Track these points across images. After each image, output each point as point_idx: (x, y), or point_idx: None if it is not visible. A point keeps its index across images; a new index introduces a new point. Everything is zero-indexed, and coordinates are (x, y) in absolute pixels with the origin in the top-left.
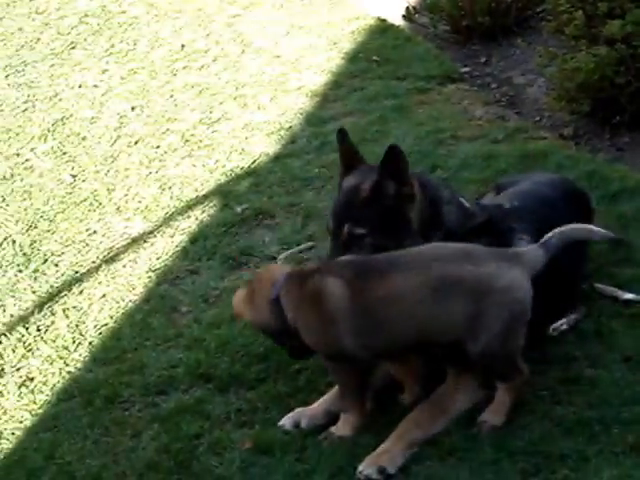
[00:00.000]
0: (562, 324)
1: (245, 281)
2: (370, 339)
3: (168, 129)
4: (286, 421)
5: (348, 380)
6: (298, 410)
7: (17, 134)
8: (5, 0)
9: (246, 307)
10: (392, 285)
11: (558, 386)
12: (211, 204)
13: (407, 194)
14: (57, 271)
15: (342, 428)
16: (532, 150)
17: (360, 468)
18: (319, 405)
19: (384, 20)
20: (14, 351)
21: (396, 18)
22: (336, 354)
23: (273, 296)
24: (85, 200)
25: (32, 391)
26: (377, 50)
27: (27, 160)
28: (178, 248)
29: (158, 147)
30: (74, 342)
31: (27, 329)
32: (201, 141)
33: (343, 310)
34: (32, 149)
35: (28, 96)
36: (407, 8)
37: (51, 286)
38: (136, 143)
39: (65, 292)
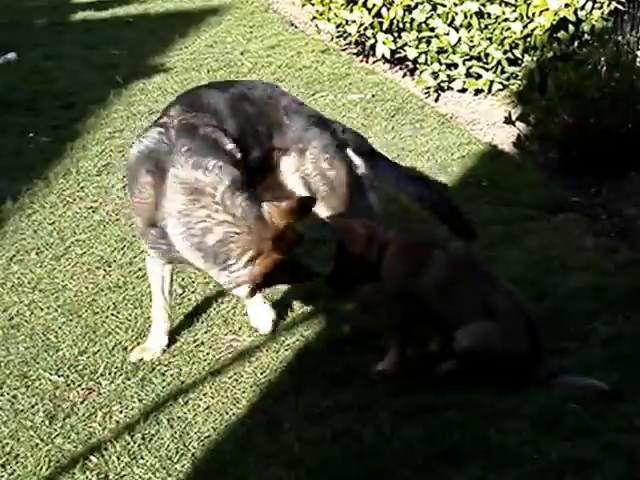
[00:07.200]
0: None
1: None
2: None
3: None
4: None
5: None
6: None
7: (131, 243)
8: None
9: None
10: None
11: None
12: (317, 320)
13: None
14: (164, 380)
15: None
16: None
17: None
18: None
19: (495, 146)
20: (119, 458)
21: (507, 145)
22: None
23: None
24: (193, 311)
25: None
26: (487, 176)
27: (140, 269)
28: (283, 364)
29: None
30: (177, 452)
31: (132, 437)
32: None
33: None
34: (144, 259)
35: None
36: (518, 135)
37: (157, 395)
38: None
39: (171, 402)
